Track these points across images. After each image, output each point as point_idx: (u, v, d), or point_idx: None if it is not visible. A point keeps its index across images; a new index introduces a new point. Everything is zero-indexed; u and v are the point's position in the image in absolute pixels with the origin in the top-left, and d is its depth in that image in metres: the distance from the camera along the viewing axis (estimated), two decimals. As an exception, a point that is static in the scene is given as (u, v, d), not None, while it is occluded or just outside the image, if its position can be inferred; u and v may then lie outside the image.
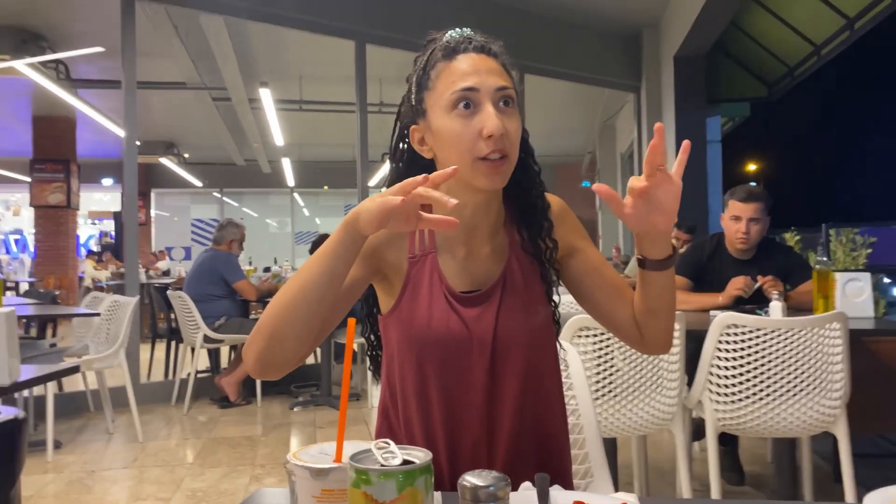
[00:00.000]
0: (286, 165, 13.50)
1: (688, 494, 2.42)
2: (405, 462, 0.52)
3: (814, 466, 2.84)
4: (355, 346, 5.20)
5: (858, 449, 2.65)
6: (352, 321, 0.69)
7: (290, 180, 14.62)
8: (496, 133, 1.01)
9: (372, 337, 1.22)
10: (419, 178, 0.89)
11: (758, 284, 2.88)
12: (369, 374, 1.27)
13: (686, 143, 0.96)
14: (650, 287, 1.09)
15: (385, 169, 9.14)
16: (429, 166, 1.12)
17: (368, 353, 1.23)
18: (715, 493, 2.36)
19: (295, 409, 4.92)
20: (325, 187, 15.96)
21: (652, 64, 7.60)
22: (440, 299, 1.09)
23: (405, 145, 1.15)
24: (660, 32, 7.50)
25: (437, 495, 0.77)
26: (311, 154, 13.26)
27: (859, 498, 2.34)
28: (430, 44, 1.11)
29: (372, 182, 7.98)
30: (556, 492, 0.81)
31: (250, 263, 7.56)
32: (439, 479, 0.86)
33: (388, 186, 1.13)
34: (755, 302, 2.86)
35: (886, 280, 3.22)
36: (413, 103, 1.11)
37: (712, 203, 7.35)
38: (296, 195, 16.25)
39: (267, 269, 8.49)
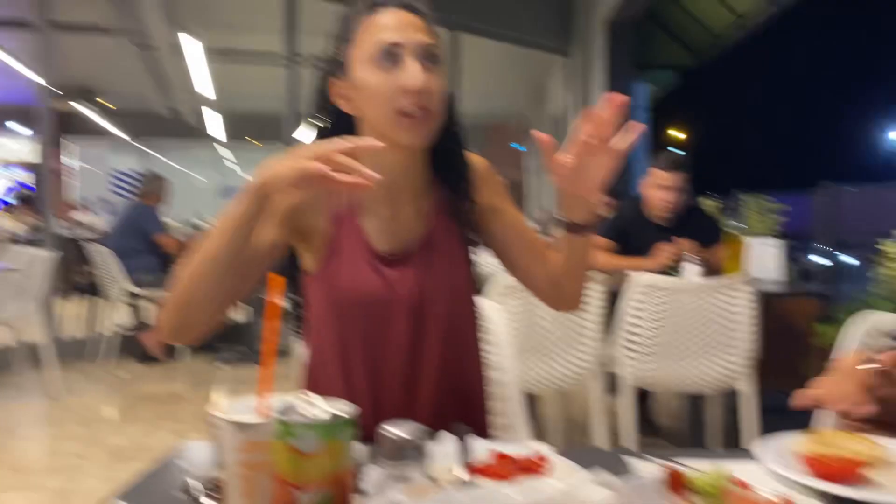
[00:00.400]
0: (211, 117, 13.04)
1: (603, 434, 2.54)
2: (329, 415, 0.54)
3: (721, 420, 3.01)
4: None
5: (768, 403, 2.83)
6: (275, 279, 0.70)
7: (215, 132, 14.15)
8: (418, 88, 1.01)
9: (294, 297, 1.22)
10: (343, 145, 0.88)
11: (679, 250, 2.99)
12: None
13: (640, 125, 0.99)
14: (567, 249, 1.13)
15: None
16: (350, 122, 1.12)
17: (291, 312, 1.24)
18: (629, 438, 2.48)
19: (221, 366, 4.87)
20: (252, 140, 15.52)
21: (583, 29, 7.66)
22: (363, 260, 1.09)
23: (326, 103, 1.14)
24: (591, -3, 7.56)
25: (360, 447, 0.80)
26: (240, 107, 12.83)
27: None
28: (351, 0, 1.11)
29: (314, 107, 7.82)
30: (472, 441, 0.86)
31: (174, 218, 7.34)
32: (362, 436, 0.88)
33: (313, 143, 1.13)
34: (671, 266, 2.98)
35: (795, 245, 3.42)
36: (335, 57, 1.10)
37: (638, 168, 7.54)
38: (221, 147, 15.75)
39: (190, 224, 8.27)
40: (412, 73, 1.02)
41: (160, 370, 4.80)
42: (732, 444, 3.16)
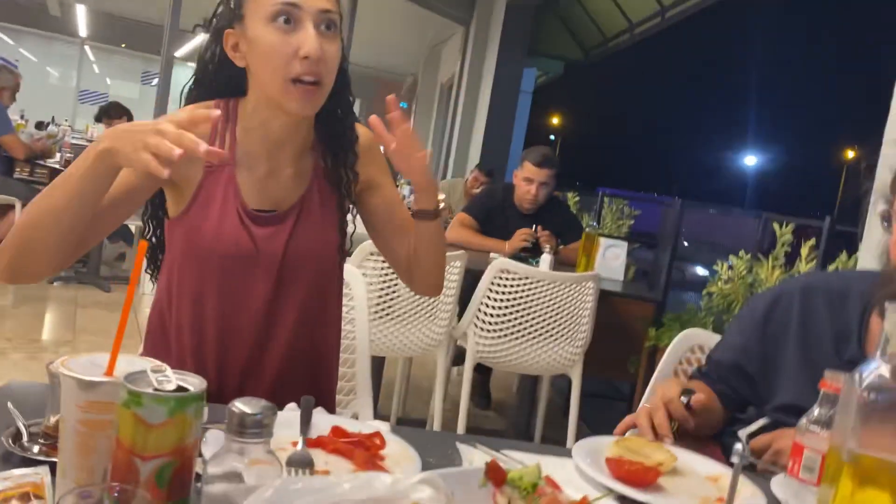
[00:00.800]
0: (80, 11, 11.95)
1: (439, 414, 2.66)
2: (179, 388, 0.55)
3: (549, 400, 3.23)
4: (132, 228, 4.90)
5: (588, 389, 3.07)
6: (143, 244, 0.68)
7: (83, 30, 12.98)
8: (313, 55, 1.01)
9: (153, 240, 1.19)
10: (181, 118, 0.88)
11: (536, 235, 3.15)
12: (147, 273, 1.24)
13: (398, 110, 1.06)
14: (416, 234, 1.19)
15: (195, 42, 8.45)
16: (240, 74, 1.10)
17: (147, 254, 1.20)
18: (462, 411, 2.62)
19: (55, 284, 4.56)
20: (123, 45, 14.38)
21: (485, 3, 7.72)
22: (232, 214, 1.08)
23: (217, 50, 1.11)
24: (498, -27, 7.61)
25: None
26: (112, 5, 11.84)
27: (578, 429, 2.72)
28: None
29: (178, 52, 7.35)
30: (318, 415, 0.89)
31: (22, 117, 6.71)
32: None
33: (190, 89, 1.11)
34: (531, 252, 3.13)
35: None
36: (232, 6, 1.07)
37: (514, 149, 7.76)
38: (87, 48, 14.47)
39: (41, 126, 7.58)
40: (308, 39, 1.01)
41: (-16, 279, 4.43)
42: (556, 422, 3.41)
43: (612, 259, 3.21)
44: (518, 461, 0.86)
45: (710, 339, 1.55)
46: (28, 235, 0.95)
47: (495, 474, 0.69)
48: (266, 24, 1.02)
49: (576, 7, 7.83)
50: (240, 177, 1.10)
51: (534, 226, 3.15)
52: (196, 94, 1.14)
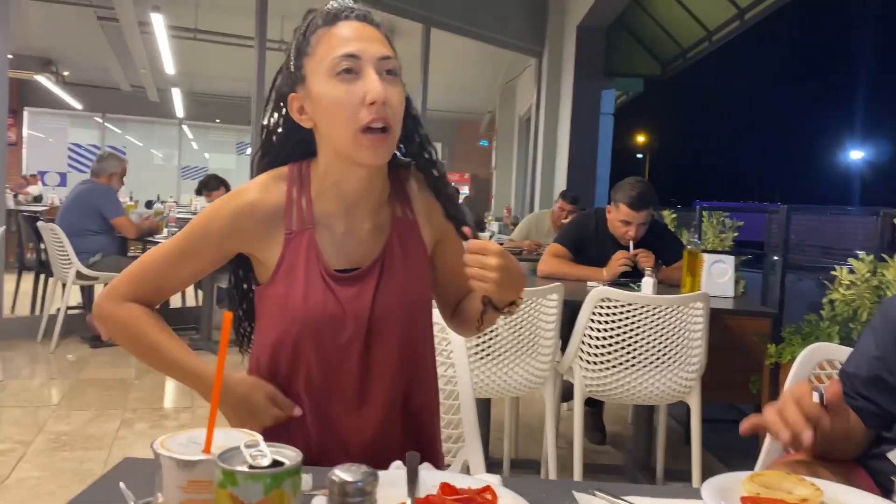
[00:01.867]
0: (176, 95, 12.78)
1: (552, 453, 2.57)
2: (275, 463, 0.53)
3: (668, 429, 3.08)
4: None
5: (709, 415, 2.90)
6: (228, 315, 0.68)
7: (180, 111, 13.87)
8: (379, 99, 1.00)
9: (240, 312, 1.21)
10: (278, 415, 1.09)
11: (635, 257, 3.02)
12: None
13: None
14: (476, 311, 1.16)
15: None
16: (307, 137, 1.11)
17: (235, 327, 1.22)
18: (577, 450, 2.52)
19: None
20: (217, 121, 15.27)
21: (556, 32, 7.71)
22: (316, 278, 1.07)
23: (281, 117, 1.12)
24: (566, 1, 7.60)
25: (307, 478, 0.79)
26: (204, 86, 12.61)
27: (702, 458, 2.56)
28: (309, 14, 1.09)
29: (266, 121, 7.72)
30: (424, 471, 0.85)
31: (131, 198, 7.16)
32: (307, 454, 0.88)
33: (260, 157, 1.13)
34: (630, 276, 3.02)
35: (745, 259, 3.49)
36: (292, 69, 1.08)
37: (601, 173, 7.63)
38: (185, 127, 15.44)
39: (149, 205, 8.08)
40: (373, 84, 1.01)
41: (108, 354, 4.69)
42: (677, 452, 3.24)
43: (719, 275, 3.05)
44: (642, 508, 0.79)
45: (839, 352, 1.42)
46: (127, 334, 1.13)
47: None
48: (329, 79, 1.03)
49: (648, 22, 7.70)
50: (319, 239, 1.09)
51: (630, 247, 3.04)
52: (265, 162, 1.15)
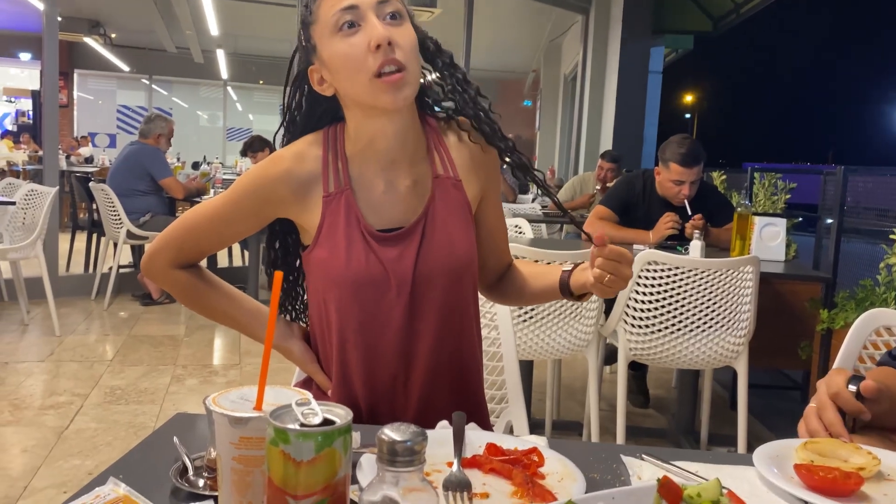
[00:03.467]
0: (220, 56, 12.86)
1: (595, 416, 2.57)
2: (325, 421, 0.53)
3: (713, 393, 3.04)
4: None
5: (755, 380, 2.85)
6: (279, 274, 0.68)
7: (224, 72, 13.97)
8: (382, 41, 0.99)
9: (289, 278, 1.23)
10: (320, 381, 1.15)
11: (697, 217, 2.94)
12: None
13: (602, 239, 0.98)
14: (541, 293, 1.19)
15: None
16: (333, 107, 1.11)
17: (284, 285, 1.23)
18: (620, 414, 2.51)
19: (220, 311, 4.88)
20: (261, 82, 15.34)
21: (604, -14, 7.48)
22: (358, 239, 1.07)
23: (303, 95, 1.13)
24: (614, -46, 7.35)
25: (356, 436, 0.79)
26: (248, 47, 12.64)
27: (749, 426, 2.53)
28: None
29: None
30: (471, 431, 0.85)
31: (178, 159, 7.29)
32: (356, 413, 0.90)
33: (284, 133, 1.13)
34: (677, 239, 2.96)
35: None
36: (304, 43, 1.08)
37: (648, 133, 7.46)
38: (229, 88, 15.56)
39: (196, 166, 8.20)
40: (374, 29, 0.99)
41: (159, 311, 4.83)
42: (722, 417, 3.21)
43: (769, 238, 2.97)
44: (692, 474, 0.78)
45: (898, 318, 1.37)
46: (182, 287, 1.17)
47: (669, 492, 0.62)
48: (333, 38, 1.02)
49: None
50: (358, 199, 1.08)
51: (687, 209, 2.94)
52: (287, 139, 1.16)
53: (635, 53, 6.98)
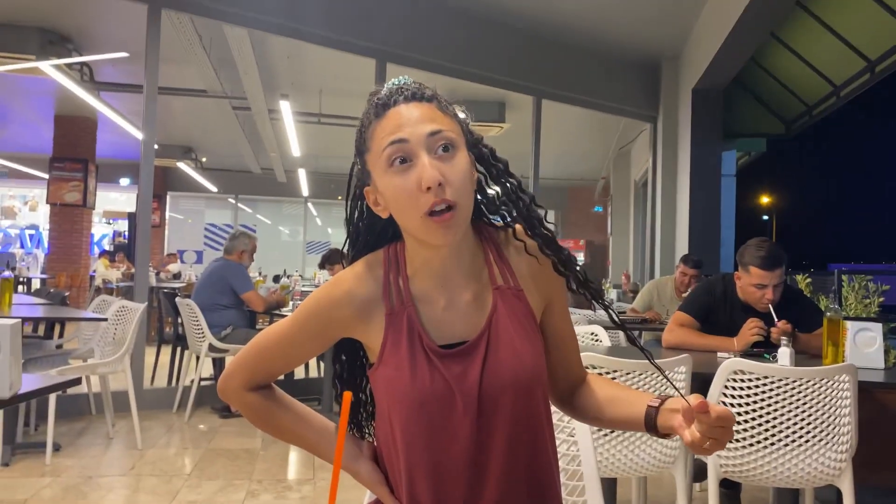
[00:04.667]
0: (301, 176, 13.56)
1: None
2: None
3: (816, 516, 2.80)
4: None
5: (865, 499, 2.61)
6: (347, 395, 0.68)
7: (305, 190, 14.69)
8: (433, 183, 0.98)
9: (359, 396, 1.22)
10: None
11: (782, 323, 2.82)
12: None
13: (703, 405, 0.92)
14: (625, 425, 1.13)
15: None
16: (388, 224, 1.12)
17: (351, 406, 1.22)
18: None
19: (295, 424, 4.89)
20: (339, 198, 16.02)
21: (670, 95, 7.60)
22: (421, 357, 1.05)
23: (362, 208, 1.14)
24: (679, 65, 7.51)
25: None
26: (327, 166, 13.32)
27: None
28: (369, 98, 1.09)
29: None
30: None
31: (260, 273, 7.57)
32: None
33: (349, 248, 1.16)
34: (764, 346, 2.83)
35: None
36: (360, 166, 1.10)
37: (725, 236, 7.32)
38: (309, 205, 16.32)
39: (276, 279, 8.50)
40: (424, 169, 0.99)
41: (237, 424, 4.87)
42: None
43: (865, 345, 2.80)
44: None
45: None
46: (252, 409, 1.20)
47: None
48: (386, 172, 1.02)
49: (768, 80, 7.44)
50: (421, 316, 1.08)
51: (773, 316, 2.82)
52: (353, 254, 1.17)
53: (706, 158, 6.97)
